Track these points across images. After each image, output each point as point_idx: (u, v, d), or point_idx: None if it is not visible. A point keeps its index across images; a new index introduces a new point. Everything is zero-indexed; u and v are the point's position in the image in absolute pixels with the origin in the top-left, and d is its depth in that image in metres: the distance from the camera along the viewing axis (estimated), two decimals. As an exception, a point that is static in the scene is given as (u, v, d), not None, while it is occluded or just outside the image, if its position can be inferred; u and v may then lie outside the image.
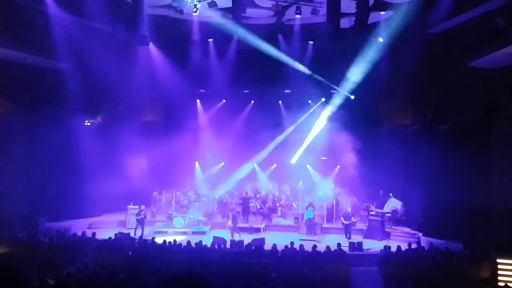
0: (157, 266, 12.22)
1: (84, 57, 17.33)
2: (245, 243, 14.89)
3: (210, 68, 21.35)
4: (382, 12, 18.73)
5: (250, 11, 18.77)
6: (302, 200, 19.59)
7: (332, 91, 21.23)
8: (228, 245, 14.90)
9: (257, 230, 18.14)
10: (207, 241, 15.24)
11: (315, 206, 18.51)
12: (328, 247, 14.05)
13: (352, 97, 20.96)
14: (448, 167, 16.27)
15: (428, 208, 17.25)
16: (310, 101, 22.29)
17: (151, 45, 19.46)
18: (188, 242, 14.41)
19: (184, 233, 17.63)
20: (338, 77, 20.26)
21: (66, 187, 17.49)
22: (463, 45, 17.34)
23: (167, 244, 14.46)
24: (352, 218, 17.52)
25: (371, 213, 17.83)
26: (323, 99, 21.79)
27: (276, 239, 15.57)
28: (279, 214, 20.07)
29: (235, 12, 18.67)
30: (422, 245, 14.86)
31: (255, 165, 21.88)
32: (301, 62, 20.59)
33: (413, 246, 14.56)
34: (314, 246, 14.06)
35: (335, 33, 15.85)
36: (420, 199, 17.79)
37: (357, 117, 20.65)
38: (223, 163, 21.73)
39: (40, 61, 17.11)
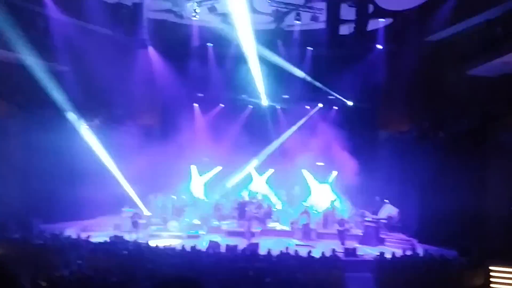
0: (151, 270, 12.16)
1: (83, 60, 17.35)
2: (240, 247, 14.85)
3: (208, 72, 21.40)
4: (382, 19, 18.85)
5: (249, 17, 18.80)
6: (298, 205, 19.55)
7: (330, 97, 21.26)
8: (223, 249, 14.85)
9: (252, 234, 18.08)
10: (202, 245, 15.20)
11: (311, 211, 18.49)
12: (323, 253, 14.03)
13: (350, 103, 20.99)
14: (444, 174, 16.28)
15: (423, 215, 17.23)
16: (308, 107, 22.29)
17: (150, 49, 19.52)
18: (183, 246, 14.38)
19: (179, 237, 17.57)
20: (337, 83, 20.31)
21: (61, 189, 17.35)
22: (462, 53, 17.44)
23: (162, 247, 14.42)
24: (346, 224, 17.50)
25: (366, 219, 17.81)
26: (320, 105, 21.78)
27: (271, 244, 15.55)
28: (275, 219, 20.01)
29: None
30: (417, 251, 14.82)
31: (252, 169, 21.85)
32: (300, 68, 20.63)
33: (408, 252, 14.52)
34: (309, 252, 14.04)
35: (334, 40, 15.95)
36: (416, 206, 17.75)
37: (355, 123, 20.68)
38: (220, 167, 21.71)
39: (39, 63, 17.10)
